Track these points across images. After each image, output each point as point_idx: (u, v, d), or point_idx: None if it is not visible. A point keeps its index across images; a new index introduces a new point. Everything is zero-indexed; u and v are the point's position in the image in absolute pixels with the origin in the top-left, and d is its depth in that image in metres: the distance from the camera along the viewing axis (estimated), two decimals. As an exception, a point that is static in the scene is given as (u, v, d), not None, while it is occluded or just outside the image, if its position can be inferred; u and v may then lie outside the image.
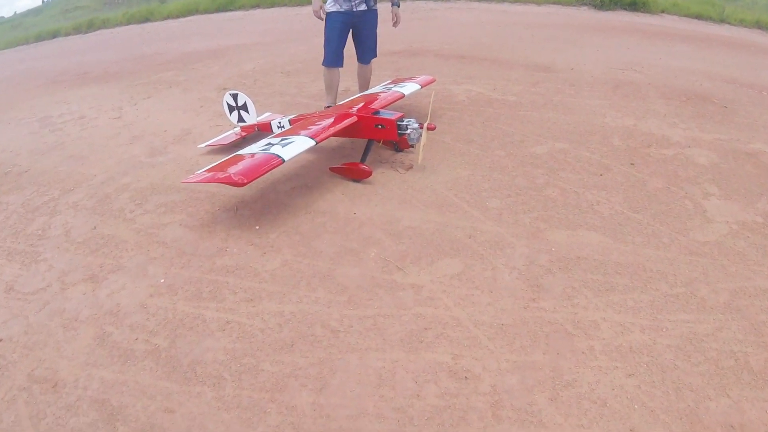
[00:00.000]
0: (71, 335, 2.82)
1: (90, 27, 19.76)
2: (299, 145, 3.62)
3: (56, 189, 4.64)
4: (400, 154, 4.47)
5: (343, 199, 3.79)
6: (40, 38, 21.03)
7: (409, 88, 4.82)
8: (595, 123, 5.02)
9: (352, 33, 5.02)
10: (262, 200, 3.87)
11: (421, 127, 3.90)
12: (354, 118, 4.02)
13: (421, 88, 4.95)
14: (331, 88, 5.23)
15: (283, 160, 3.45)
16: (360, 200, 3.77)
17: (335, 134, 3.91)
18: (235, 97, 4.90)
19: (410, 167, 4.20)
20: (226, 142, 4.90)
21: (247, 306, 2.86)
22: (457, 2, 13.74)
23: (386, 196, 3.79)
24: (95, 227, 3.86)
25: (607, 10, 12.89)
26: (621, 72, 6.95)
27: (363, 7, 4.86)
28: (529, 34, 9.60)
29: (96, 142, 5.75)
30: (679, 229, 3.39)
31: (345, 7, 4.80)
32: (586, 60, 7.59)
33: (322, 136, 3.77)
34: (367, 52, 5.17)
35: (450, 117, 5.26)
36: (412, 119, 3.97)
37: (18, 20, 31.84)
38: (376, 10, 5.02)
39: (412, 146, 4.15)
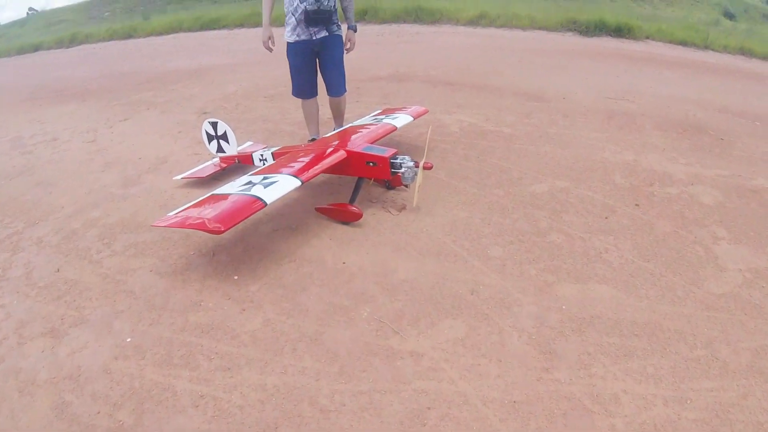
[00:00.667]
0: (27, 402, 2.44)
1: (72, 41, 19.25)
2: (283, 185, 3.26)
3: (21, 221, 4.25)
4: (391, 192, 4.12)
5: (331, 245, 3.43)
6: (21, 51, 20.46)
7: (401, 119, 4.48)
8: (595, 158, 4.73)
9: (318, 62, 4.58)
10: (242, 244, 3.49)
11: (417, 166, 3.57)
12: (343, 154, 3.67)
13: (414, 119, 4.61)
14: (311, 119, 4.84)
15: (265, 204, 3.08)
16: (350, 246, 3.41)
17: (322, 172, 3.55)
18: (214, 125, 4.53)
19: (403, 207, 3.86)
20: (203, 175, 4.52)
21: (224, 376, 2.48)
22: (442, 26, 13.50)
23: (378, 242, 3.44)
24: (59, 269, 3.47)
25: (592, 36, 12.73)
26: (613, 101, 6.71)
27: (324, 33, 4.39)
28: (517, 60, 9.36)
29: (67, 167, 5.35)
30: (692, 280, 3.09)
31: (304, 36, 4.37)
32: (576, 88, 7.34)
33: (308, 175, 3.41)
34: (334, 84, 4.63)
35: (443, 150, 4.94)
36: (406, 156, 3.64)
37: (2, 31, 31.16)
38: (340, 36, 4.54)
39: (406, 186, 3.78)
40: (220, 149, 4.63)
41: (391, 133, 4.37)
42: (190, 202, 3.28)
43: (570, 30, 12.94)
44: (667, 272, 3.15)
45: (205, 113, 6.76)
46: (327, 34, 4.40)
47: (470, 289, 2.98)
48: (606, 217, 3.73)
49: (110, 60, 14.06)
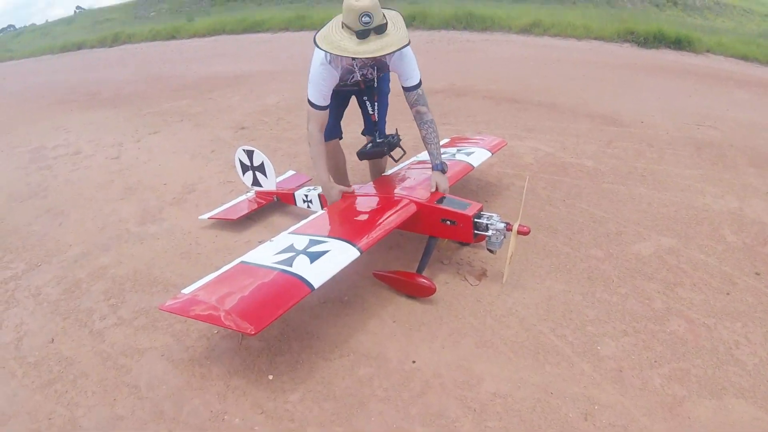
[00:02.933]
0: None
1: (115, 41, 18.92)
2: (336, 258, 2.43)
3: (22, 260, 3.62)
4: (467, 249, 3.28)
5: (395, 332, 2.61)
6: (65, 49, 20.27)
7: (477, 156, 3.62)
8: (697, 206, 3.84)
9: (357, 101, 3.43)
10: (279, 323, 2.68)
11: (509, 229, 2.69)
12: (412, 208, 2.84)
13: (492, 155, 3.76)
14: (336, 168, 3.59)
15: (312, 289, 2.25)
16: (420, 335, 2.59)
17: (388, 233, 2.72)
18: (250, 154, 3.77)
19: (483, 274, 3.04)
20: (234, 217, 3.73)
21: None
22: (494, 34, 12.60)
23: (457, 330, 2.61)
24: (53, 339, 2.77)
25: (650, 47, 11.72)
26: (696, 128, 5.76)
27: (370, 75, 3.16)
28: (580, 74, 8.45)
29: (83, 191, 4.69)
30: None
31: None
32: (651, 110, 6.41)
33: (369, 242, 2.57)
34: (380, 120, 3.35)
35: (520, 189, 4.08)
36: (494, 215, 2.77)
37: (49, 28, 31.35)
38: (387, 76, 3.32)
39: (491, 251, 2.92)
40: (255, 182, 3.88)
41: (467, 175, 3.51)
42: (213, 273, 2.46)
43: (627, 41, 11.95)
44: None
45: (242, 128, 6.05)
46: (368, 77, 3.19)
47: (583, 411, 2.14)
48: (728, 293, 2.86)
49: (150, 62, 13.56)
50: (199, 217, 3.86)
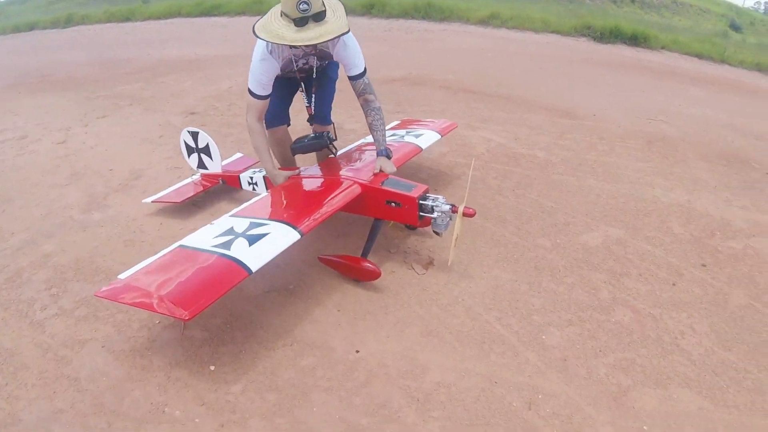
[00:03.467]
0: None
1: (68, 22, 18.22)
2: (276, 240, 2.35)
3: (-39, 249, 3.39)
4: (414, 237, 3.26)
5: (340, 321, 2.58)
6: (17, 30, 19.41)
7: (426, 138, 3.58)
8: (646, 198, 3.91)
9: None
10: (222, 312, 2.62)
11: (454, 211, 2.66)
12: (356, 189, 2.79)
13: (441, 138, 3.73)
14: (284, 156, 3.46)
15: (250, 272, 2.18)
16: (364, 324, 2.57)
17: (330, 215, 2.66)
18: (194, 135, 3.66)
19: (430, 263, 3.02)
20: (179, 200, 3.61)
21: None
22: (452, 24, 12.60)
23: (403, 319, 2.59)
24: (-8, 330, 2.61)
25: (606, 42, 11.90)
26: (648, 123, 5.88)
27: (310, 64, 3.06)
28: (537, 67, 8.52)
29: (29, 176, 4.49)
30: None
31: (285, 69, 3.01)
32: (605, 104, 6.50)
33: (310, 224, 2.51)
34: (321, 108, 3.29)
35: (471, 178, 4.08)
36: (440, 197, 2.73)
37: (1, 8, 30.04)
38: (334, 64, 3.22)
39: (437, 233, 2.90)
40: (201, 165, 3.77)
41: (415, 157, 3.48)
42: (151, 258, 2.36)
43: (584, 35, 12.10)
44: (752, 366, 2.37)
45: (193, 114, 5.90)
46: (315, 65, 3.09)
47: (527, 400, 2.15)
48: (674, 284, 2.93)
49: (103, 44, 13.10)
50: (143, 201, 3.73)
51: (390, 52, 9.15)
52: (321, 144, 3.12)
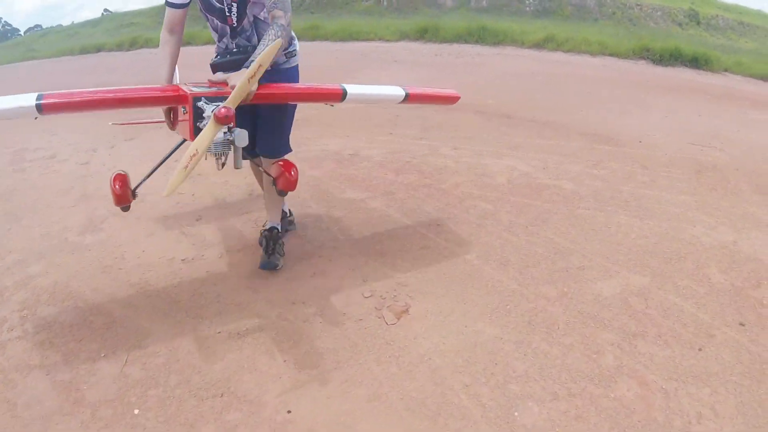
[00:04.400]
0: None
1: (132, 45, 18.91)
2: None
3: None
4: (393, 277, 2.90)
5: (282, 373, 2.25)
6: (84, 51, 20.38)
7: (381, 90, 3.01)
8: (683, 237, 3.38)
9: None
10: (165, 351, 2.37)
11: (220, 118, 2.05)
12: (170, 93, 2.34)
13: (407, 96, 2.92)
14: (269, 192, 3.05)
15: None
16: (308, 378, 2.22)
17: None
18: None
19: (405, 311, 2.64)
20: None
21: None
22: (505, 48, 12.17)
23: (352, 378, 2.22)
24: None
25: (666, 65, 11.18)
26: (700, 149, 5.27)
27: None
28: (587, 91, 7.99)
29: (43, 197, 4.45)
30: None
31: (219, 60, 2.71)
32: (655, 129, 5.93)
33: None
34: (266, 136, 2.85)
35: (481, 213, 3.69)
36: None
37: (74, 30, 31.62)
38: (291, 68, 2.83)
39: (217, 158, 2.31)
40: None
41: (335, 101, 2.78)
42: None
43: (642, 58, 11.42)
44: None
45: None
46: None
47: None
48: (700, 349, 2.40)
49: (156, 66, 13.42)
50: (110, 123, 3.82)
51: (433, 77, 8.85)
52: (246, 54, 2.60)
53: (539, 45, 11.99)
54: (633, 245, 3.27)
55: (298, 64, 2.87)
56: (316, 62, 10.33)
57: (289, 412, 2.04)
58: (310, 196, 4.01)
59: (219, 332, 2.51)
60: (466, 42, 12.66)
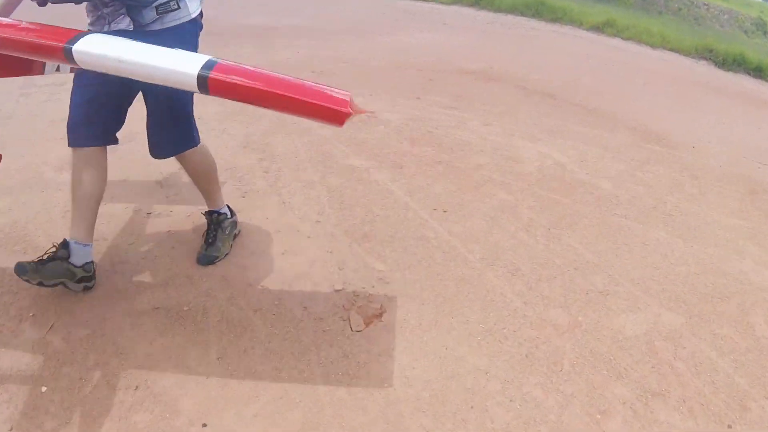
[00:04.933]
0: None
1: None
2: None
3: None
4: (371, 283, 2.37)
5: (212, 372, 1.81)
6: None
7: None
8: (730, 271, 2.77)
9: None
10: (89, 304, 1.99)
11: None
12: None
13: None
14: (79, 201, 2.07)
15: None
16: (237, 387, 1.77)
17: None
18: None
19: (377, 316, 2.13)
20: None
21: None
22: (562, 26, 11.22)
23: (287, 396, 1.76)
24: None
25: (728, 69, 10.12)
26: (756, 167, 4.53)
27: (124, 24, 1.87)
28: (641, 82, 7.17)
29: (37, 125, 4.04)
30: None
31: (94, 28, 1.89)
32: (710, 135, 5.18)
33: None
34: (153, 131, 2.20)
35: (498, 204, 3.11)
36: None
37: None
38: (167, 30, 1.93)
39: None
40: None
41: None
42: None
43: (704, 58, 10.38)
44: None
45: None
46: (132, 27, 1.89)
47: None
48: (729, 426, 1.85)
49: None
50: None
51: (479, 44, 8.08)
52: None
53: (598, 28, 11.01)
54: (671, 272, 2.67)
55: (186, 24, 1.97)
56: (355, 15, 9.67)
57: (204, 425, 1.59)
58: (308, 157, 3.48)
59: (156, 308, 2.07)
60: (522, 15, 11.73)
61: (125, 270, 2.30)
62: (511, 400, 1.78)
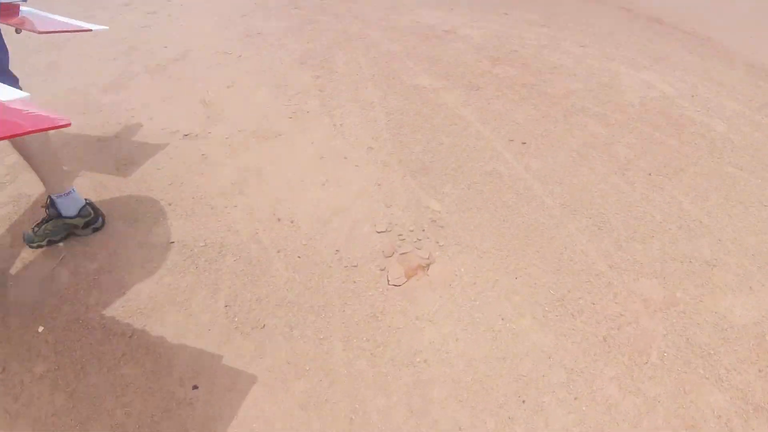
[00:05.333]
0: None
1: None
2: None
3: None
4: (428, 219, 1.96)
5: (217, 331, 1.49)
6: None
7: None
8: None
9: None
10: (104, 236, 1.81)
11: None
12: None
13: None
14: (31, 162, 1.83)
15: None
16: (238, 343, 1.48)
17: None
18: None
19: (423, 268, 1.75)
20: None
21: None
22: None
23: (289, 362, 1.42)
24: None
25: None
26: None
27: None
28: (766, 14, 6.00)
29: (93, 47, 3.85)
30: None
31: None
32: None
33: None
34: None
35: (589, 138, 2.57)
36: None
37: None
38: None
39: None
40: None
41: None
42: None
43: None
44: None
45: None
46: None
47: None
48: None
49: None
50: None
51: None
52: None
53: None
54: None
55: None
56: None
57: (195, 388, 1.38)
58: (370, 75, 3.04)
59: (171, 243, 1.84)
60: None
61: (148, 198, 2.05)
62: (576, 398, 1.36)
